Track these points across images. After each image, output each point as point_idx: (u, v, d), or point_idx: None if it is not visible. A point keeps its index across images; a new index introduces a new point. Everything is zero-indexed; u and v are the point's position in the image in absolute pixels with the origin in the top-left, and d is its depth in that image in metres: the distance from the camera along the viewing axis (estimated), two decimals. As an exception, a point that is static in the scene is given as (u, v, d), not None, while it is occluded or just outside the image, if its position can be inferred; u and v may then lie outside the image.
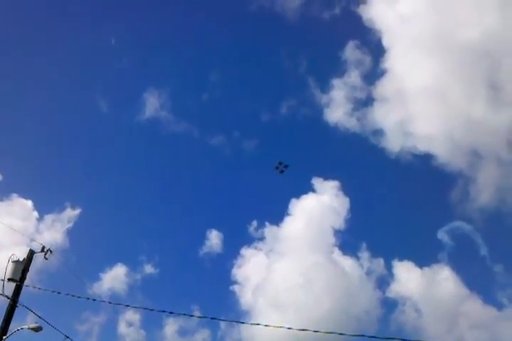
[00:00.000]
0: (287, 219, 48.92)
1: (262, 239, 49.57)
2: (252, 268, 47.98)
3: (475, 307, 43.10)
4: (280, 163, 39.89)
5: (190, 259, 54.47)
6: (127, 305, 18.99)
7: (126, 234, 58.00)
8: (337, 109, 54.52)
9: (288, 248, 47.43)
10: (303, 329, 14.03)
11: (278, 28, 62.30)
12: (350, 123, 53.43)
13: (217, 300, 50.63)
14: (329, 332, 13.49)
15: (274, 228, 49.33)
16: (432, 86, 50.71)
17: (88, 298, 16.75)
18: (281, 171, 39.95)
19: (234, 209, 57.92)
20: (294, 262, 45.70)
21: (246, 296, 46.62)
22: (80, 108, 63.31)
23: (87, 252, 53.36)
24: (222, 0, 65.73)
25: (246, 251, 49.43)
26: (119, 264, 50.62)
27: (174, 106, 60.35)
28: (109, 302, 18.73)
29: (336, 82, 55.91)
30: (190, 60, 65.56)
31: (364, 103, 54.39)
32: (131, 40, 65.31)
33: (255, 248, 49.59)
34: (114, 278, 48.38)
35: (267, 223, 49.68)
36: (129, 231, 58.85)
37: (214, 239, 51.11)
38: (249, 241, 50.53)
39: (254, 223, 50.27)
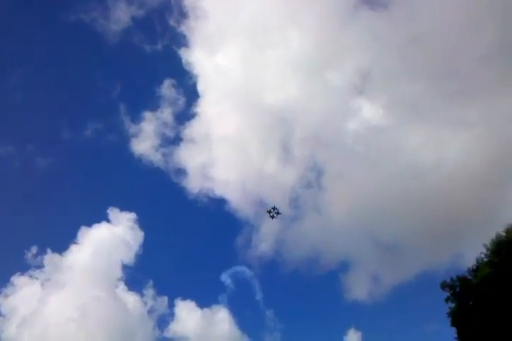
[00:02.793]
0: (73, 248, 47.46)
1: (40, 267, 47.10)
2: (21, 299, 44.90)
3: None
4: (274, 209, 40.29)
5: None
6: None
7: None
8: (144, 141, 55.96)
9: (69, 279, 45.58)
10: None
11: (96, 47, 61.52)
12: (155, 158, 55.09)
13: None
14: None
15: (56, 256, 47.44)
16: (234, 137, 55.88)
17: None
18: (272, 216, 40.05)
19: (10, 231, 53.23)
20: (73, 294, 43.73)
21: (8, 330, 43.57)
22: None
23: None
24: (40, 3, 62.12)
25: (18, 279, 46.43)
26: None
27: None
28: None
29: (147, 114, 57.58)
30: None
31: (172, 141, 56.84)
32: None
33: (30, 276, 46.79)
34: None
35: (48, 250, 47.44)
36: None
37: (-20, 262, 46.54)
38: (24, 268, 47.31)
39: (34, 249, 47.52)
